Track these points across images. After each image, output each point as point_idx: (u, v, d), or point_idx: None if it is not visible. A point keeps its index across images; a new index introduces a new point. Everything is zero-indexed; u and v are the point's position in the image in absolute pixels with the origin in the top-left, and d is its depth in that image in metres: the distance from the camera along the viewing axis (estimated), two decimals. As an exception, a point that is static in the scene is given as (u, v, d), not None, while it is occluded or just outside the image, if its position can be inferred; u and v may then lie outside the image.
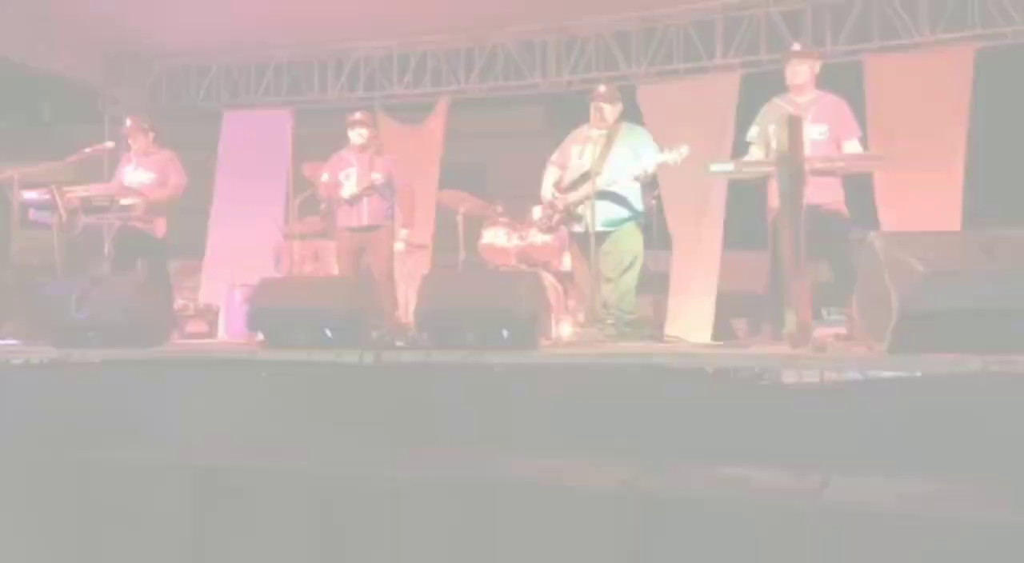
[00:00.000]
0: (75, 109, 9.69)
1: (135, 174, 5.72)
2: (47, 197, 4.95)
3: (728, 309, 7.48)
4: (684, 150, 4.65)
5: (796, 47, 4.82)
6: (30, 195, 4.99)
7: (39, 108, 12.51)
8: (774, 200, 4.35)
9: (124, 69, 8.64)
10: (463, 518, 2.44)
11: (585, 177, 4.83)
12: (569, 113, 5.73)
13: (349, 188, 5.70)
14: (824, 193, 4.39)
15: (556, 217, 5.06)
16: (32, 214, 5.11)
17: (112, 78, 8.60)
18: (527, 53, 7.97)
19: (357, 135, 5.82)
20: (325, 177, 5.88)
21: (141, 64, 8.74)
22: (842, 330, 4.53)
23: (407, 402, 3.20)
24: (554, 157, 5.22)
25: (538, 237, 5.89)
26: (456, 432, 3.06)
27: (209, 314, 6.88)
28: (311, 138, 8.15)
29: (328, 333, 3.65)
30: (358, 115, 5.91)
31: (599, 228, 4.66)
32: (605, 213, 4.75)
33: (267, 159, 8.25)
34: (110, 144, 5.76)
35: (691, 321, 7.14)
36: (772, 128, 4.05)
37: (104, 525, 2.82)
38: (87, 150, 5.52)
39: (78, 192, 5.09)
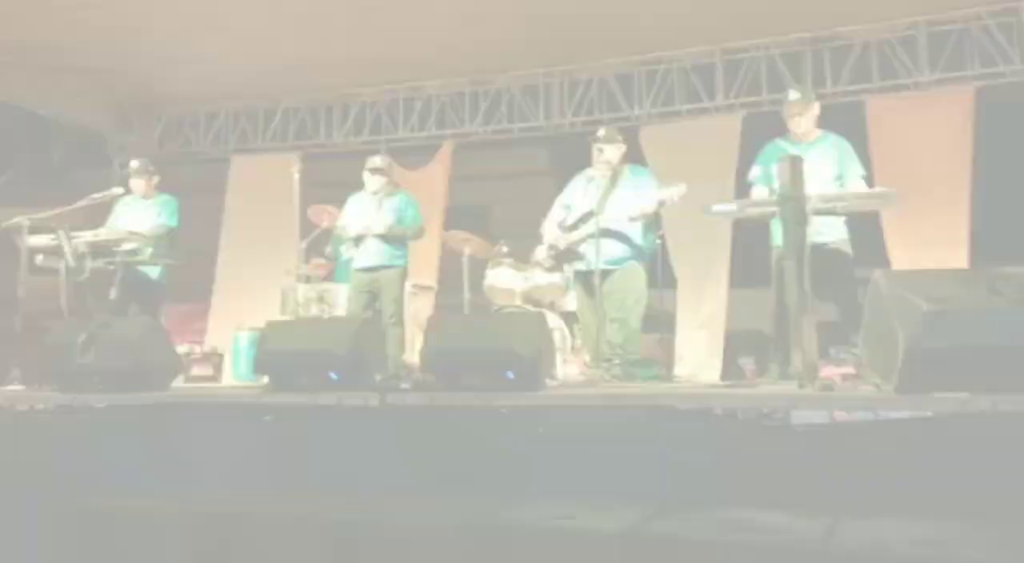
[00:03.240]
0: (84, 155, 9.79)
1: (132, 217, 5.76)
2: (55, 242, 4.99)
3: (736, 347, 7.44)
4: (682, 188, 4.68)
5: (794, 96, 4.71)
6: (38, 240, 5.03)
7: (48, 154, 12.64)
8: (777, 239, 4.37)
9: (133, 116, 8.79)
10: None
11: (587, 216, 4.86)
12: (572, 154, 5.78)
13: (351, 231, 5.80)
14: (827, 232, 4.40)
15: (558, 256, 5.10)
16: (40, 259, 5.14)
17: (121, 124, 8.74)
18: (530, 96, 8.05)
19: (372, 181, 5.82)
20: (341, 219, 5.95)
21: (150, 110, 8.88)
22: (850, 369, 4.50)
23: (412, 445, 3.18)
24: (560, 197, 5.27)
25: (543, 277, 5.90)
26: (461, 475, 3.03)
27: (214, 357, 6.88)
28: (317, 182, 8.21)
29: (333, 376, 3.64)
30: (378, 161, 5.89)
31: (601, 266, 4.67)
32: (607, 252, 4.77)
33: (274, 202, 8.26)
34: (118, 190, 5.80)
35: (699, 360, 7.10)
36: (774, 168, 4.07)
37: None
38: (95, 196, 5.57)
39: (86, 237, 5.13)
